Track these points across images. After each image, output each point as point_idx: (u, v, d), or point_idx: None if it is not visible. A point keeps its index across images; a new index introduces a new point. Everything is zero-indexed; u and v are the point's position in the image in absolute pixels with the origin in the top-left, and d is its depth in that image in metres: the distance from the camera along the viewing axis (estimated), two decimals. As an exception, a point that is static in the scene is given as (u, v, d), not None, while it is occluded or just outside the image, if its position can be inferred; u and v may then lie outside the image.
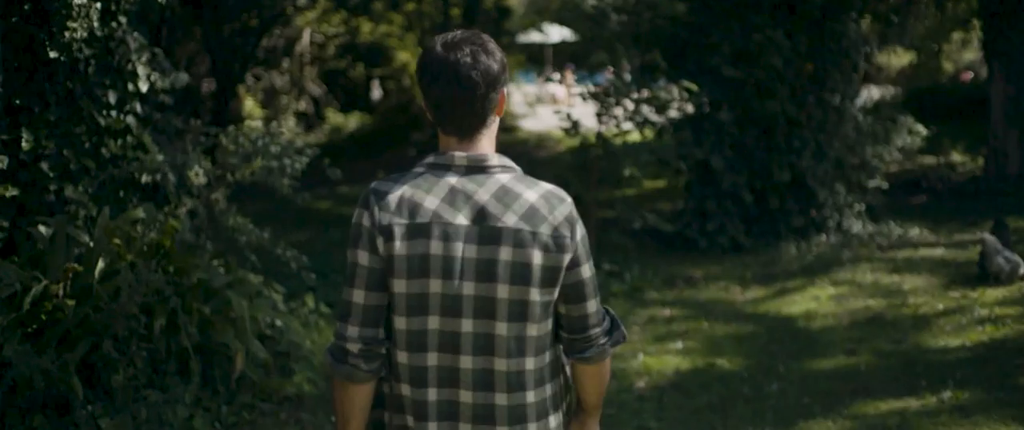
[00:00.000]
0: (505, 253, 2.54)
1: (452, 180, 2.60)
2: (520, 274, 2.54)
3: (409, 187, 2.60)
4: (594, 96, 10.55)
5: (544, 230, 2.55)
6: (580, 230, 2.65)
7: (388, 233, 2.56)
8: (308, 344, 7.83)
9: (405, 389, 2.65)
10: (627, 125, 11.01)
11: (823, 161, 12.13)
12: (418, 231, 2.55)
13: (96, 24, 6.71)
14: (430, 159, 2.66)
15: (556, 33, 29.32)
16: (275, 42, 25.74)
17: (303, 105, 27.81)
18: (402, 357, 2.62)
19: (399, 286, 2.58)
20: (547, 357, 2.68)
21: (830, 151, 12.20)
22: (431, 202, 2.57)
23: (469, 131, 2.63)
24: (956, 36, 27.66)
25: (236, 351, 6.68)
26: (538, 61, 37.46)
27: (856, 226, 12.48)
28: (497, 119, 2.70)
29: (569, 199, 2.68)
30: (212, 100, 22.81)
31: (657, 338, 8.78)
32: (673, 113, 11.82)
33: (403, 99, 27.73)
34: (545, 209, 2.58)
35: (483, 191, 2.58)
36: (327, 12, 25.54)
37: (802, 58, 11.89)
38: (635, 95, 10.26)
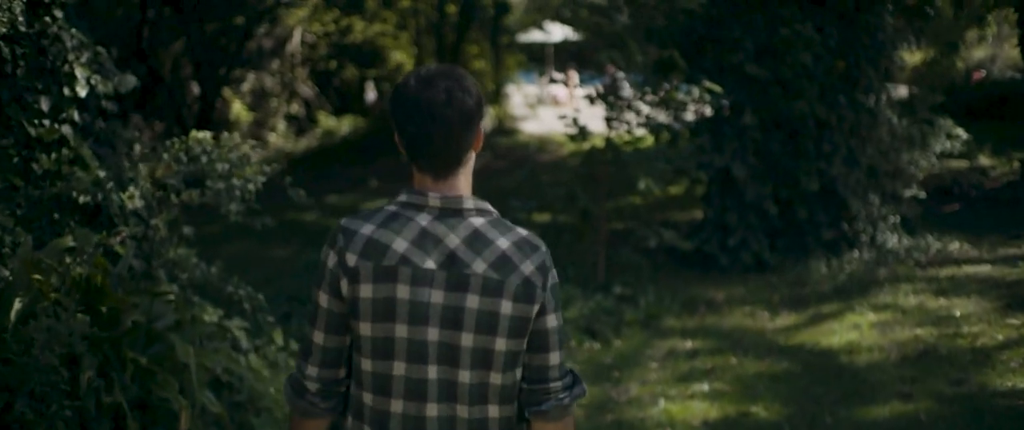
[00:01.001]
0: (472, 301, 2.48)
1: (423, 222, 2.52)
2: (487, 323, 2.48)
3: (379, 227, 2.53)
4: (603, 98, 9.39)
5: (514, 279, 2.49)
6: (552, 279, 2.58)
7: (354, 275, 2.50)
8: (273, 391, 6.70)
9: None
10: (639, 130, 9.85)
11: (855, 168, 10.98)
12: (385, 274, 2.49)
13: (20, 17, 5.58)
14: (403, 197, 2.57)
15: (558, 32, 28.27)
16: (264, 43, 24.89)
17: (294, 108, 26.81)
18: (367, 399, 2.57)
19: (364, 329, 2.52)
20: (514, 408, 2.61)
21: (863, 158, 11.05)
22: (400, 244, 2.50)
23: (444, 169, 2.55)
24: (969, 33, 26.51)
25: (181, 407, 5.54)
26: (539, 60, 36.36)
27: (891, 240, 11.33)
28: (473, 156, 2.62)
29: (543, 247, 2.59)
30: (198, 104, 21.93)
31: (680, 377, 7.64)
32: (689, 116, 10.69)
33: (399, 101, 26.61)
34: (517, 257, 2.52)
35: (454, 235, 2.51)
36: (318, 11, 24.61)
37: (833, 55, 10.73)
38: (649, 97, 9.09)
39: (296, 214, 15.77)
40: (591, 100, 9.42)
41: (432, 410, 2.53)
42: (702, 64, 10.68)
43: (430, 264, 2.49)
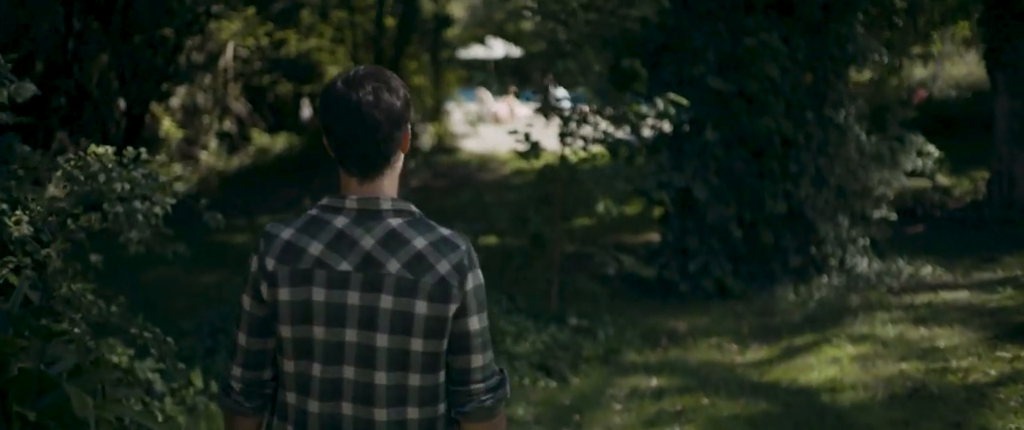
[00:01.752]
0: (386, 301, 2.45)
1: (340, 224, 2.51)
2: (401, 323, 2.46)
3: (297, 232, 2.53)
4: (556, 111, 8.60)
5: (429, 279, 2.45)
6: (472, 280, 2.52)
7: (273, 279, 2.50)
8: (190, 441, 5.86)
9: None
10: (595, 147, 9.07)
11: (824, 189, 10.30)
12: (301, 277, 2.49)
13: None
14: (324, 201, 2.57)
15: (499, 48, 27.57)
16: (195, 57, 23.91)
17: (227, 125, 25.82)
18: (290, 398, 2.58)
19: (284, 331, 2.52)
20: (440, 409, 2.57)
21: (831, 177, 10.37)
22: (315, 248, 2.49)
23: (370, 171, 2.52)
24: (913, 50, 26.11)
25: (74, 472, 4.67)
26: (486, 74, 35.67)
27: (861, 265, 10.66)
28: (401, 158, 2.59)
29: (464, 246, 2.52)
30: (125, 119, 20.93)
31: (647, 421, 6.86)
32: (647, 132, 9.94)
33: (334, 117, 25.73)
34: (433, 256, 2.47)
35: (370, 237, 2.49)
36: (252, 25, 23.66)
37: (800, 67, 10.05)
38: (608, 110, 8.30)
39: (226, 236, 14.86)
40: (545, 114, 8.62)
41: (347, 410, 2.51)
42: (661, 76, 9.96)
43: (345, 266, 2.47)
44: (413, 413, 2.54)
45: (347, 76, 2.52)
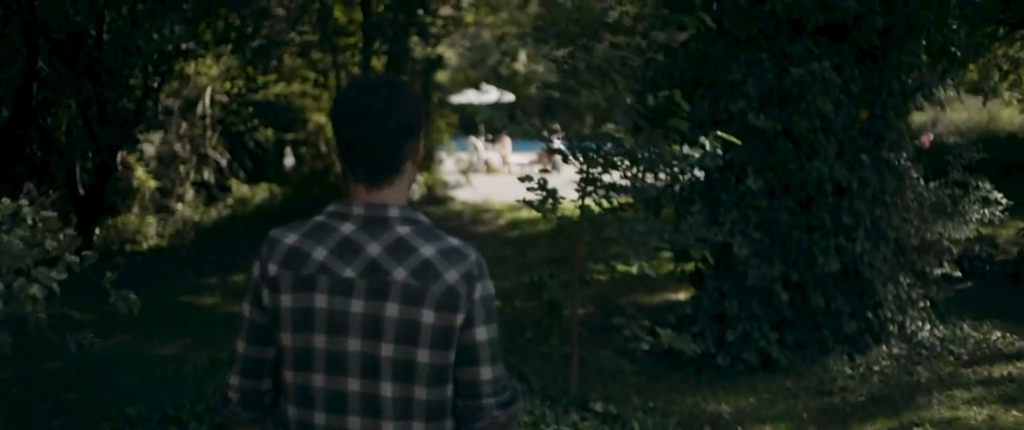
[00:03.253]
0: (392, 310, 2.40)
1: (346, 231, 2.48)
2: (407, 333, 2.40)
3: (301, 237, 2.50)
4: (582, 152, 7.10)
5: (436, 287, 2.41)
6: (481, 289, 2.47)
7: (274, 285, 2.48)
8: None
9: None
10: (621, 196, 7.56)
11: (882, 243, 8.85)
12: (304, 283, 2.45)
13: None
14: (331, 207, 2.54)
15: (493, 93, 26.32)
16: (171, 103, 22.59)
17: (206, 174, 24.46)
18: (292, 412, 2.52)
19: (285, 339, 2.48)
20: (447, 425, 2.51)
21: (890, 230, 8.93)
22: (320, 253, 2.46)
23: (379, 179, 2.50)
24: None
25: None
26: (470, 125, 34.35)
27: (923, 330, 9.20)
28: (412, 168, 2.58)
29: (473, 256, 2.49)
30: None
31: None
32: (676, 176, 8.49)
33: (319, 167, 24.41)
34: (441, 265, 2.43)
35: (376, 244, 2.45)
36: (232, 69, 22.34)
37: (854, 102, 8.63)
38: (641, 152, 6.80)
39: (193, 297, 13.37)
40: (565, 158, 7.11)
41: (354, 424, 2.45)
42: (693, 113, 8.51)
43: (349, 273, 2.44)
44: (419, 427, 2.46)
45: (360, 82, 2.57)
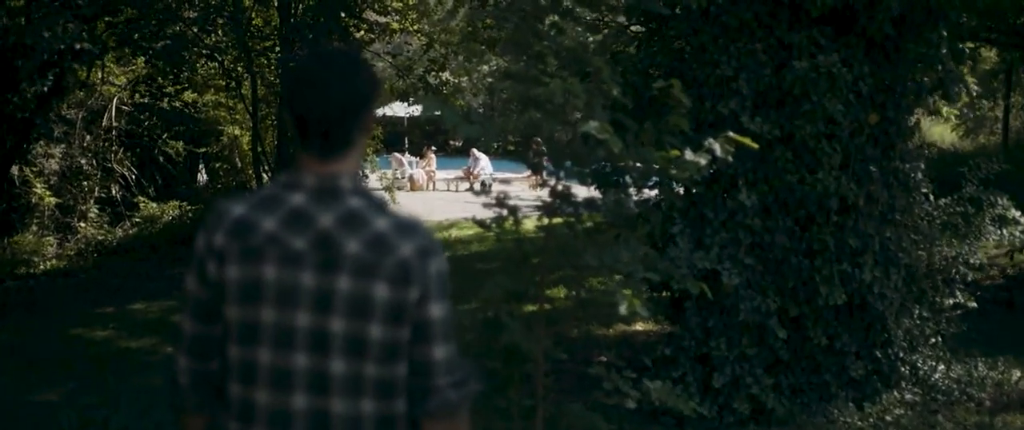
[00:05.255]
0: (343, 283, 2.38)
1: (297, 201, 2.45)
2: (359, 306, 2.38)
3: (250, 207, 2.48)
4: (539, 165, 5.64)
5: (390, 260, 2.39)
6: (435, 264, 2.46)
7: (221, 256, 2.44)
8: None
9: (234, 426, 2.49)
10: (593, 214, 6.10)
11: (892, 269, 7.50)
12: (252, 254, 2.42)
13: None
14: (282, 177, 2.52)
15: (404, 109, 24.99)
16: (73, 114, 20.97)
17: (116, 190, 22.77)
18: (234, 390, 2.46)
19: (231, 313, 2.45)
20: (398, 406, 2.46)
21: (901, 253, 7.60)
22: (269, 224, 2.43)
23: (331, 150, 2.47)
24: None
25: None
26: (395, 139, 32.93)
27: (937, 371, 7.87)
28: (363, 141, 2.56)
29: (425, 231, 2.49)
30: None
31: None
32: (648, 190, 7.12)
33: (233, 182, 22.75)
34: (394, 238, 2.42)
35: (328, 215, 2.43)
36: (140, 80, 20.71)
37: (864, 103, 7.29)
38: (631, 160, 5.37)
39: (85, 329, 11.71)
40: (534, 168, 5.63)
41: (299, 402, 2.40)
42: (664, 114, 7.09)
43: (300, 244, 2.40)
44: (369, 406, 2.41)
45: (316, 52, 2.79)
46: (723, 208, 7.23)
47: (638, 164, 5.49)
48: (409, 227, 2.45)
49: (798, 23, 7.16)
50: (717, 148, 5.24)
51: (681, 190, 7.45)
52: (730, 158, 5.19)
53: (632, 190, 5.87)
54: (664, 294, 7.81)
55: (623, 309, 5.19)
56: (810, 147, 7.12)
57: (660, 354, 7.52)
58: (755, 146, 5.34)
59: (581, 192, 5.84)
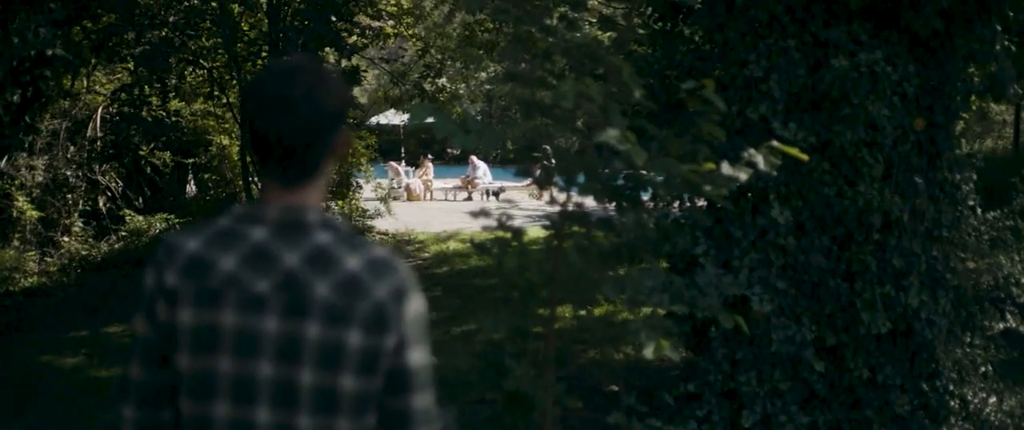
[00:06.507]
0: (313, 329, 2.17)
1: (258, 237, 2.22)
2: (330, 356, 2.17)
3: (205, 243, 2.24)
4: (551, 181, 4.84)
5: (363, 305, 2.19)
6: (413, 307, 2.27)
7: (172, 297, 2.22)
8: None
9: None
10: (601, 231, 5.29)
11: (940, 292, 6.71)
12: (208, 297, 2.19)
13: None
14: (239, 209, 2.30)
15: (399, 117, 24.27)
16: (56, 124, 20.31)
17: (103, 203, 22.12)
18: None
19: (183, 362, 2.22)
20: None
21: (949, 274, 6.80)
22: (228, 262, 2.20)
23: (295, 178, 2.26)
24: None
25: None
26: (390, 147, 32.13)
27: (988, 405, 7.07)
28: (331, 165, 2.36)
29: (402, 269, 2.29)
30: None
31: None
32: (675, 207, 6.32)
33: (223, 194, 21.96)
34: (368, 279, 2.21)
35: (294, 253, 2.20)
36: (127, 89, 20.01)
37: (909, 106, 6.50)
38: (653, 172, 4.58)
39: (55, 356, 10.91)
40: (540, 183, 4.83)
41: None
42: (692, 122, 6.30)
43: (262, 286, 2.19)
44: None
45: (278, 66, 2.30)
46: (752, 226, 6.42)
47: (662, 178, 4.68)
48: (383, 265, 2.25)
49: (835, 17, 6.37)
50: (759, 160, 4.44)
51: (704, 205, 6.67)
52: (774, 172, 4.39)
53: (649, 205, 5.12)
54: (685, 321, 7.01)
55: (650, 352, 4.39)
56: (849, 156, 6.32)
57: (682, 390, 6.70)
58: (805, 157, 4.53)
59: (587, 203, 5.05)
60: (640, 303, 4.75)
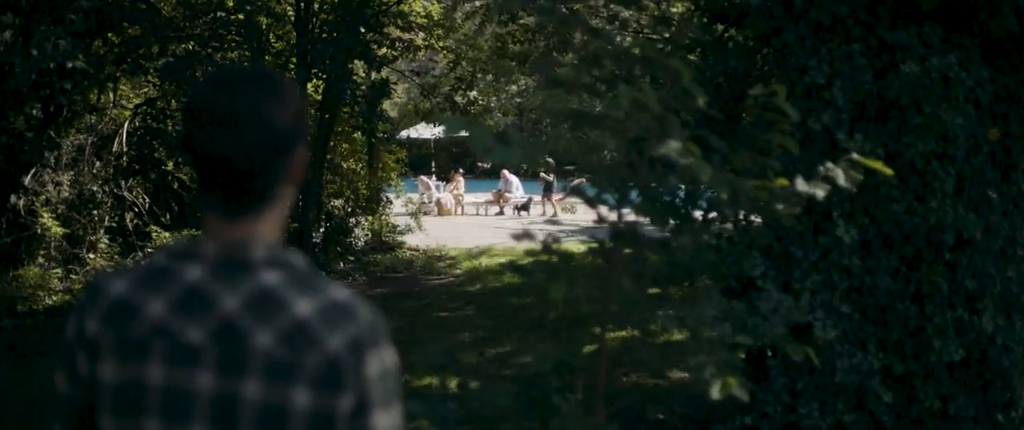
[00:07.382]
0: (252, 388, 1.80)
1: (192, 277, 1.86)
2: (272, 420, 1.80)
3: (132, 285, 1.90)
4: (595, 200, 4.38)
5: (312, 358, 1.82)
6: (376, 362, 1.87)
7: (93, 348, 1.89)
8: None
9: None
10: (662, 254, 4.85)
11: (1017, 316, 6.23)
12: (132, 349, 1.85)
13: None
14: (175, 244, 1.96)
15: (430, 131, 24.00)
16: (82, 139, 20.11)
17: (130, 219, 21.91)
18: None
19: (106, 423, 1.88)
20: None
21: (1025, 296, 6.32)
22: (156, 308, 1.86)
23: (241, 208, 1.89)
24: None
25: None
26: (423, 163, 31.78)
27: (1065, 436, 6.59)
28: (287, 193, 1.96)
29: (364, 315, 1.89)
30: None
31: None
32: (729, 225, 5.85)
33: (250, 211, 21.73)
34: (320, 328, 1.84)
35: (233, 297, 1.84)
36: (148, 101, 19.73)
37: (984, 115, 6.03)
38: (721, 189, 4.15)
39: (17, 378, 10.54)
40: (591, 202, 4.38)
41: None
42: (745, 133, 5.85)
43: (195, 336, 1.84)
44: None
45: (220, 76, 1.94)
46: (814, 245, 5.95)
47: (726, 195, 4.22)
48: (340, 311, 1.88)
49: (903, 19, 5.90)
50: (840, 176, 3.99)
51: (759, 223, 6.21)
52: (854, 189, 3.92)
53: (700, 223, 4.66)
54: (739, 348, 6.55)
55: (717, 392, 3.93)
56: (919, 169, 5.85)
57: (739, 423, 6.24)
58: (889, 172, 4.06)
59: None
60: (700, 335, 4.31)
